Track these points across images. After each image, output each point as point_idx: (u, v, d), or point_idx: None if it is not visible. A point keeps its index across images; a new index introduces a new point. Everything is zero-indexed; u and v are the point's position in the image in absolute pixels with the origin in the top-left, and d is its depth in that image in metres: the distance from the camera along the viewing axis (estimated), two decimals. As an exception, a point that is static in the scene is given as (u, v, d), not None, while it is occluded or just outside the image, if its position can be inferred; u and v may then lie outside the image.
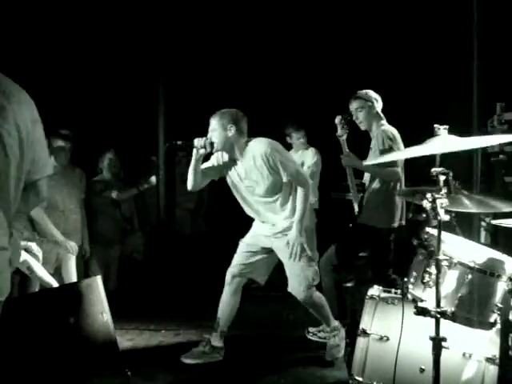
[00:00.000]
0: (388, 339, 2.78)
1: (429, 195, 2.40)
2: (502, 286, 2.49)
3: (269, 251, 3.92)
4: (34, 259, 3.83)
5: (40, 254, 3.99)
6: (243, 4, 6.31)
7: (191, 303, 5.08)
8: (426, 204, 2.42)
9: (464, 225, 3.65)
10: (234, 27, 6.45)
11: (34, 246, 3.97)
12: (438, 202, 2.37)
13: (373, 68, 5.97)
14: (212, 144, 3.75)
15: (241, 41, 6.50)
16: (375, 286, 3.08)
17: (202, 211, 6.74)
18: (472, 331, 2.59)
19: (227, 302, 3.95)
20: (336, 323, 3.92)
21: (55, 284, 3.85)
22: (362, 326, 2.87)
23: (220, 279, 4.03)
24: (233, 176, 3.87)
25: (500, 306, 2.49)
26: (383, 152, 3.89)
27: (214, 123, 3.77)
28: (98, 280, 3.55)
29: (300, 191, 3.74)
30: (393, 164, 3.87)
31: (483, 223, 5.09)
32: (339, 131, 4.13)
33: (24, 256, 3.74)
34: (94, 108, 6.34)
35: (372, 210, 4.05)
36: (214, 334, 3.96)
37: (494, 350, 2.65)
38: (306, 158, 5.66)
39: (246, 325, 4.65)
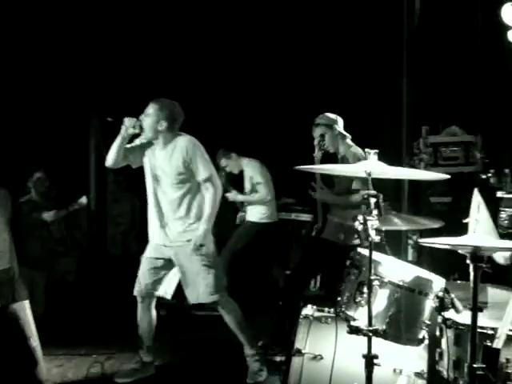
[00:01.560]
0: (322, 358, 2.83)
1: (360, 217, 2.49)
2: (429, 304, 2.58)
3: (171, 262, 3.92)
4: None
5: None
6: (172, 38, 6.36)
7: (123, 326, 4.96)
8: (358, 225, 2.51)
9: (392, 243, 3.78)
10: (165, 60, 6.48)
11: None
12: (369, 223, 2.45)
13: (311, 90, 6.11)
14: (141, 127, 3.80)
15: (171, 71, 6.52)
16: (309, 306, 3.13)
17: (133, 231, 6.68)
18: (402, 348, 2.67)
19: (143, 318, 3.95)
20: (259, 349, 3.96)
21: None
22: (296, 345, 2.91)
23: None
24: (150, 162, 3.90)
25: (428, 322, 2.59)
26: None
27: (151, 111, 3.81)
28: (26, 304, 3.46)
29: (210, 194, 3.81)
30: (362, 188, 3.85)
31: (410, 241, 5.28)
32: (316, 152, 4.17)
33: None
34: (22, 129, 6.17)
35: (335, 227, 4.13)
36: (140, 351, 3.98)
37: (423, 365, 2.75)
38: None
39: (184, 346, 4.61)
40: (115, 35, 5.95)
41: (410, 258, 5.22)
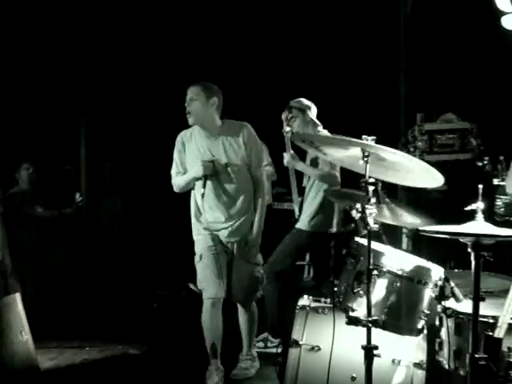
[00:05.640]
0: (320, 349, 2.78)
1: (358, 205, 2.43)
2: (428, 293, 2.54)
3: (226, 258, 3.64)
4: None
5: None
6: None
7: (114, 317, 4.91)
8: (356, 214, 2.45)
9: (387, 232, 3.73)
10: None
11: None
12: (368, 211, 2.39)
13: (308, 76, 6.03)
14: (215, 168, 3.51)
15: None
16: (305, 296, 3.08)
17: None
18: (401, 338, 2.63)
19: (215, 323, 3.59)
20: (254, 353, 3.85)
21: None
22: (293, 336, 2.86)
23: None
24: (204, 158, 3.56)
25: (427, 312, 2.54)
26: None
27: (195, 91, 3.51)
28: (17, 298, 3.41)
29: (261, 187, 3.66)
30: (332, 168, 3.89)
31: (404, 230, 5.24)
32: (285, 127, 4.09)
33: None
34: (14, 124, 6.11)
35: (310, 215, 4.06)
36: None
37: (422, 356, 2.72)
38: None
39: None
40: (104, 39, 5.89)
41: (404, 247, 5.18)
